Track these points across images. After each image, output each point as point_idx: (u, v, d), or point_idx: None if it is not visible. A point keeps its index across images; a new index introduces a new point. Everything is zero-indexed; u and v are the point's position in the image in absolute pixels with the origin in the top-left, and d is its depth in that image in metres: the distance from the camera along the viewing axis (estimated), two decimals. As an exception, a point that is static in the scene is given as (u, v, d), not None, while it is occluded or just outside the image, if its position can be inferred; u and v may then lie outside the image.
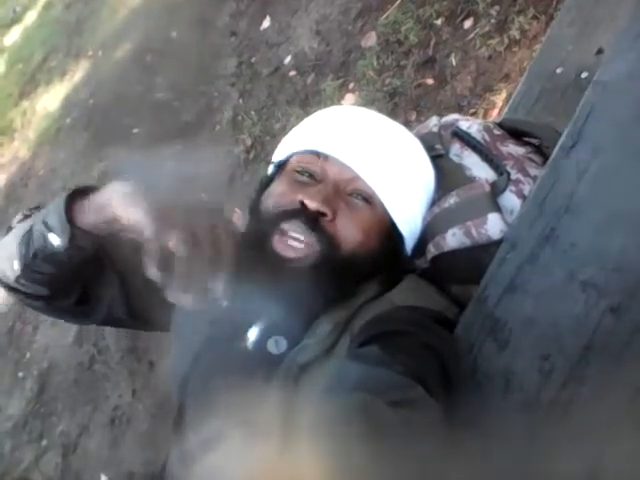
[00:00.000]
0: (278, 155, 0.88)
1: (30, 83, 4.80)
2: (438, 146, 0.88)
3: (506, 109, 1.47)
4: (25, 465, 2.62)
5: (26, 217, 0.82)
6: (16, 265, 0.77)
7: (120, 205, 0.64)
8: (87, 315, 0.92)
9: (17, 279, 0.78)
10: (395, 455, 0.49)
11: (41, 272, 0.77)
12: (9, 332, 3.17)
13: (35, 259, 0.75)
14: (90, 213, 0.70)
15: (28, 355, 2.99)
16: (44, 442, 2.65)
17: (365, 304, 0.76)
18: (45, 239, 0.73)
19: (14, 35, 5.71)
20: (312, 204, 0.73)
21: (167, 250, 0.59)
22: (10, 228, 0.83)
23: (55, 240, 0.72)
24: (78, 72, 4.25)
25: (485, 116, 1.95)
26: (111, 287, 0.89)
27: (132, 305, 0.91)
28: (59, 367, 2.83)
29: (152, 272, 0.58)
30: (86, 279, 0.85)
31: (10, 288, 0.83)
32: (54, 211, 0.73)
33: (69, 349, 2.81)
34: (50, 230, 0.72)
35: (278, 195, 0.79)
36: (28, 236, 0.75)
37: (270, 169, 0.90)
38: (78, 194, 0.73)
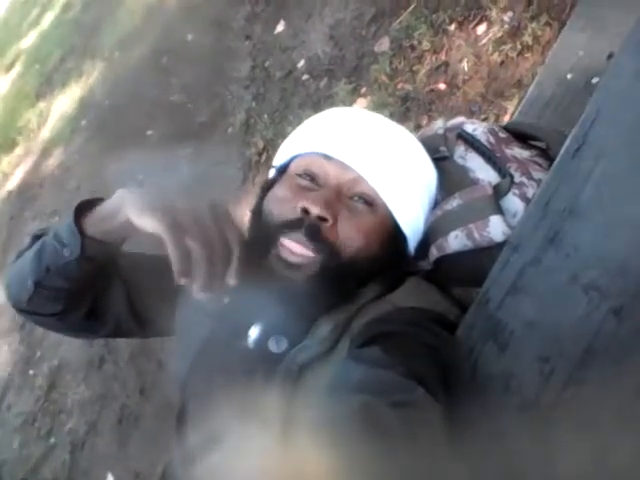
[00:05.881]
0: (279, 158, 0.87)
1: (47, 84, 4.87)
2: (443, 148, 0.88)
3: (516, 114, 1.47)
4: (33, 462, 2.64)
5: (36, 238, 0.84)
6: (29, 282, 0.79)
7: (131, 211, 0.67)
8: (95, 330, 0.94)
9: (30, 298, 0.81)
10: (396, 456, 0.49)
11: (54, 287, 0.80)
12: (21, 329, 3.20)
13: (48, 273, 0.77)
14: (101, 221, 0.73)
15: (39, 353, 3.02)
16: (52, 439, 2.67)
17: (365, 305, 0.76)
18: (57, 252, 0.75)
19: (32, 36, 5.78)
20: (314, 209, 0.73)
21: (185, 252, 0.63)
22: (21, 253, 0.85)
23: (67, 251, 0.74)
24: (94, 73, 4.30)
25: (496, 122, 1.94)
26: (118, 298, 0.90)
27: (137, 311, 0.92)
28: (69, 365, 2.85)
29: (178, 277, 0.62)
30: (95, 291, 0.87)
31: (23, 310, 0.86)
32: (64, 224, 0.75)
33: (80, 348, 2.83)
34: (61, 242, 0.75)
35: (280, 201, 0.78)
36: (40, 253, 0.78)
37: (271, 172, 0.89)
38: (87, 206, 0.75)
